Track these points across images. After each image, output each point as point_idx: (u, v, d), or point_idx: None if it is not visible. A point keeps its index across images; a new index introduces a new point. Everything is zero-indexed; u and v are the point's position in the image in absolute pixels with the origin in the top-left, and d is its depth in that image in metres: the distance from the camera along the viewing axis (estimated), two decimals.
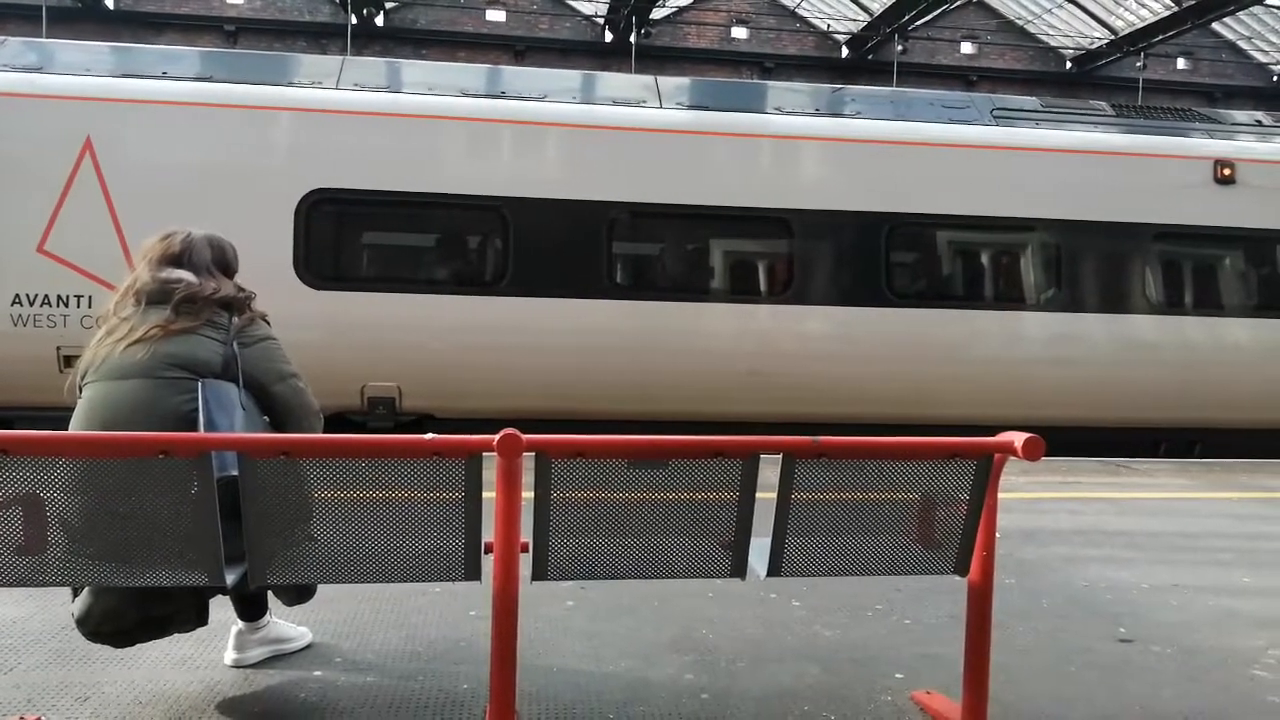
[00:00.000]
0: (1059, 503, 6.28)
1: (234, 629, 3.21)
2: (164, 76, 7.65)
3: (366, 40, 25.51)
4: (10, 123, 7.20)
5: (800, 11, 27.54)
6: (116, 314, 2.86)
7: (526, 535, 2.61)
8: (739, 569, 2.74)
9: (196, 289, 2.86)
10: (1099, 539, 5.34)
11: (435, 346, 7.48)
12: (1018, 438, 2.64)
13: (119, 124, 7.26)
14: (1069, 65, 28.44)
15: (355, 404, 7.52)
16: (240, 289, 2.99)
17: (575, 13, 26.85)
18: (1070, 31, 27.74)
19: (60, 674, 3.08)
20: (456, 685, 3.10)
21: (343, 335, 7.34)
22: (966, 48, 28.12)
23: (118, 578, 2.51)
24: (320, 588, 3.07)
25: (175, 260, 2.93)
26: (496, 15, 26.53)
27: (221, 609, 3.09)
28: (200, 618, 2.89)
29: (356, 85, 7.83)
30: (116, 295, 2.92)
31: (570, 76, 9.15)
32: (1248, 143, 8.83)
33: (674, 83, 8.79)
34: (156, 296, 2.84)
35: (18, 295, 7.09)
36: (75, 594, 2.79)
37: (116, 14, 24.90)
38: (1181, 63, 28.38)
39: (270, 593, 3.12)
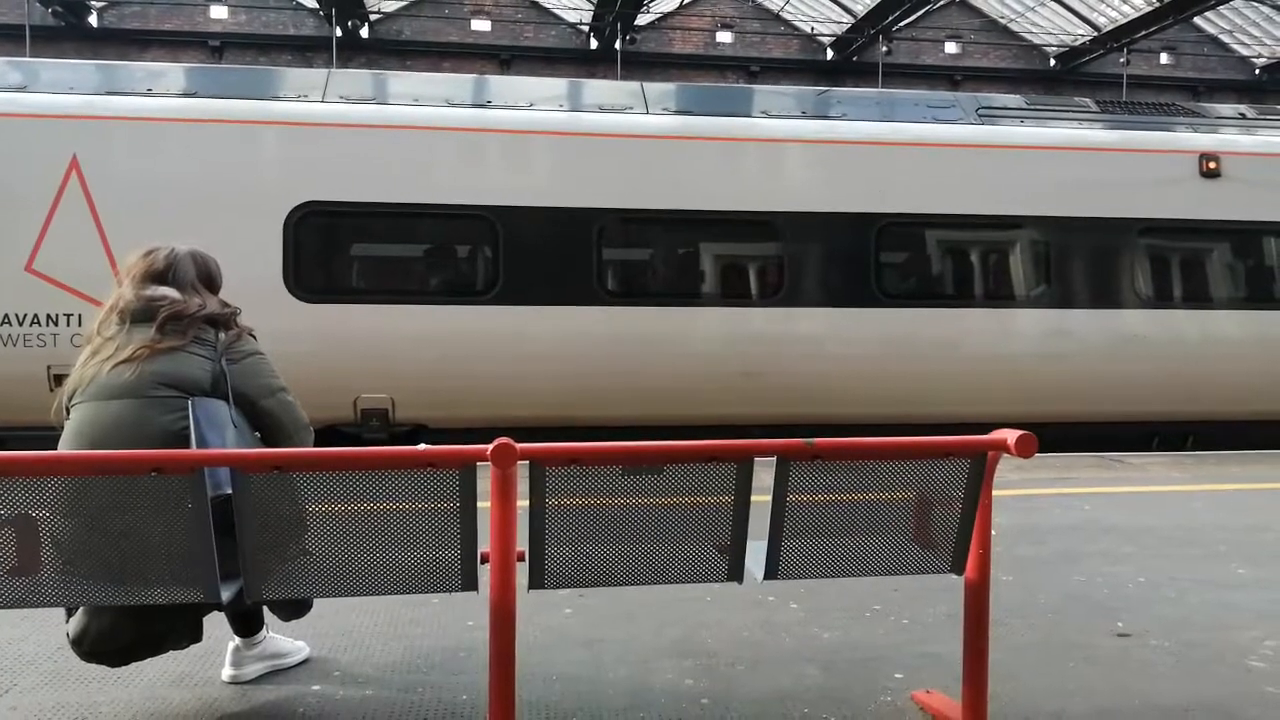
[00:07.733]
0: (1054, 499, 6.29)
1: (231, 645, 3.19)
2: (149, 93, 7.64)
3: (352, 52, 25.55)
4: None
5: (784, 15, 27.65)
6: (101, 334, 2.83)
7: (522, 544, 2.61)
8: (736, 573, 2.74)
9: (182, 306, 2.84)
10: (1094, 534, 5.35)
11: (427, 357, 7.47)
12: (1011, 435, 2.65)
13: (105, 142, 7.24)
14: (1053, 63, 28.63)
15: (348, 416, 7.50)
16: (225, 304, 2.98)
17: (560, 21, 26.93)
18: (1053, 29, 27.92)
19: (57, 695, 3.06)
20: (456, 696, 3.10)
21: (334, 347, 7.32)
22: (950, 48, 28.30)
23: (113, 597, 2.49)
24: (317, 601, 3.06)
25: (159, 277, 2.91)
26: (482, 25, 26.60)
27: (217, 625, 3.08)
28: (194, 634, 2.89)
29: (343, 98, 7.82)
30: (100, 315, 2.88)
31: (556, 85, 9.15)
32: (1232, 136, 8.88)
33: (660, 88, 8.80)
34: (141, 315, 2.81)
35: (7, 315, 7.06)
36: (70, 614, 2.78)
37: (100, 31, 24.90)
38: (1164, 58, 28.59)
39: (266, 608, 3.11)
